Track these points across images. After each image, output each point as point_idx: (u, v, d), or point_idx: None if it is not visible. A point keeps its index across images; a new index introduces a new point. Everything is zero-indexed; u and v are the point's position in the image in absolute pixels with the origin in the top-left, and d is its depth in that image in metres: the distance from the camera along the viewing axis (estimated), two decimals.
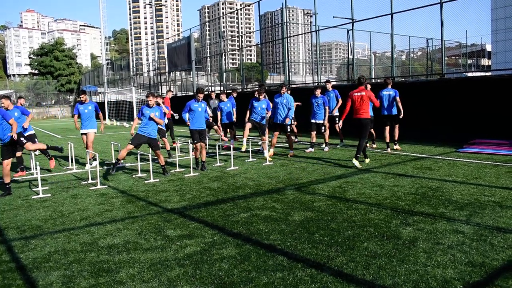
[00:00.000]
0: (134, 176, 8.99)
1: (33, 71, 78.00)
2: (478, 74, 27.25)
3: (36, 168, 7.60)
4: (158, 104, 10.11)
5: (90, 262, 4.13)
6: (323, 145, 12.10)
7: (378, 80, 19.96)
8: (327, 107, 11.47)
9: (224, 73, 30.44)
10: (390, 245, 4.25)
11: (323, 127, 11.59)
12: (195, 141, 9.45)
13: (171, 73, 37.32)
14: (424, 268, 3.67)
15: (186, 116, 9.48)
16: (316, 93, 11.50)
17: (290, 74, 22.10)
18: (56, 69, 71.13)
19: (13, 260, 4.30)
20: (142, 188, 7.70)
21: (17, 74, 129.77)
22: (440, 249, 4.07)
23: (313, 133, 11.76)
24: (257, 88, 11.92)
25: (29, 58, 78.72)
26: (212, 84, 33.97)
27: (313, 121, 11.71)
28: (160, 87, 37.47)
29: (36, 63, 73.62)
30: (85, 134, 10.37)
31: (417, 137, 12.93)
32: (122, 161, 8.94)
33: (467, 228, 4.67)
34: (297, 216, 5.41)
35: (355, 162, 8.84)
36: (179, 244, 4.52)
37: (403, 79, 19.04)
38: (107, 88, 46.05)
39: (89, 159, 10.22)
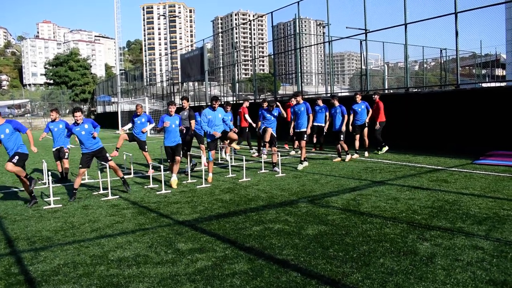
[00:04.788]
0: (146, 187, 8.95)
1: (48, 81, 79.11)
2: (493, 84, 26.85)
3: (48, 178, 7.58)
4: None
5: (99, 276, 4.07)
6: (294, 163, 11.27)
7: (391, 91, 19.79)
8: (310, 115, 10.54)
9: (237, 84, 30.47)
10: (407, 261, 4.11)
11: (305, 135, 10.51)
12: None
13: (184, 83, 37.52)
14: (443, 286, 3.53)
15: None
16: (297, 100, 10.60)
17: (302, 84, 22.01)
18: (70, 79, 72.24)
19: (22, 272, 4.26)
20: (154, 199, 7.65)
21: (33, 84, 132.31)
22: (459, 266, 3.93)
23: (302, 143, 10.61)
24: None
25: (45, 68, 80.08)
26: (225, 95, 34.03)
27: (296, 130, 10.71)
28: (173, 97, 37.64)
29: (51, 73, 74.83)
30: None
31: (431, 149, 12.72)
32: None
33: (486, 243, 4.51)
34: (310, 230, 5.29)
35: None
36: (190, 258, 4.44)
37: (417, 90, 18.84)
38: (120, 98, 46.48)
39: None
